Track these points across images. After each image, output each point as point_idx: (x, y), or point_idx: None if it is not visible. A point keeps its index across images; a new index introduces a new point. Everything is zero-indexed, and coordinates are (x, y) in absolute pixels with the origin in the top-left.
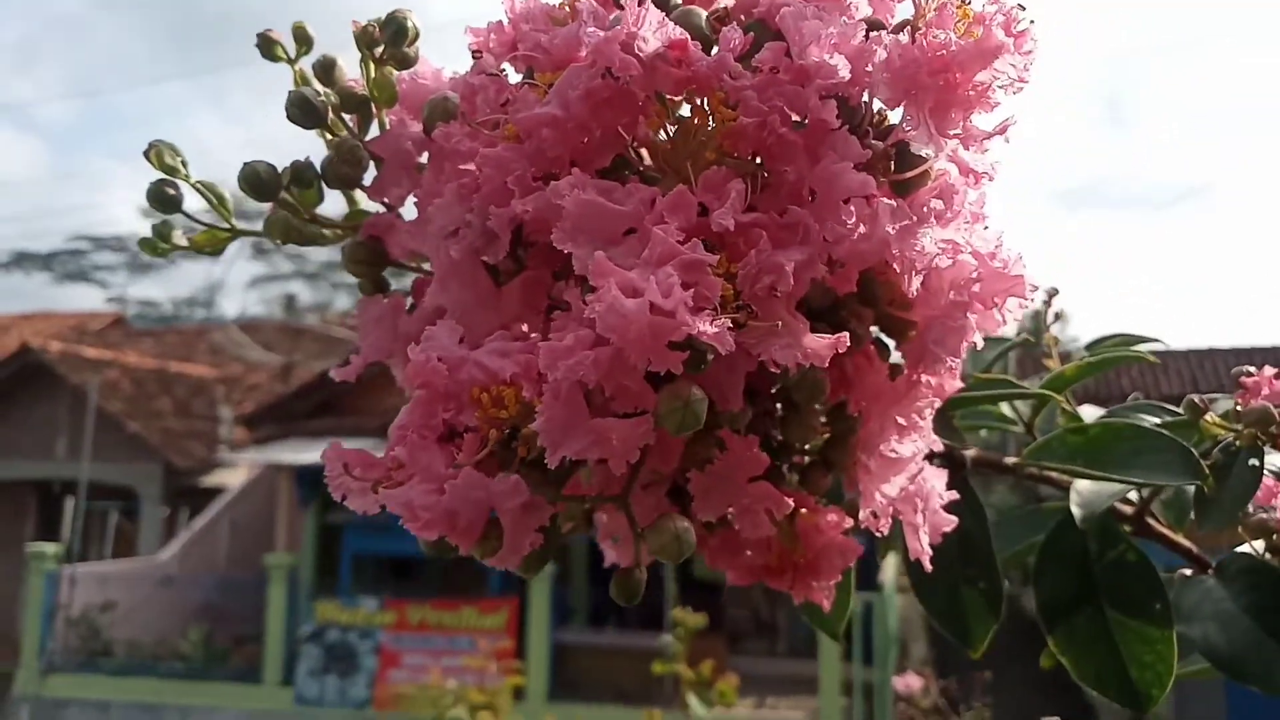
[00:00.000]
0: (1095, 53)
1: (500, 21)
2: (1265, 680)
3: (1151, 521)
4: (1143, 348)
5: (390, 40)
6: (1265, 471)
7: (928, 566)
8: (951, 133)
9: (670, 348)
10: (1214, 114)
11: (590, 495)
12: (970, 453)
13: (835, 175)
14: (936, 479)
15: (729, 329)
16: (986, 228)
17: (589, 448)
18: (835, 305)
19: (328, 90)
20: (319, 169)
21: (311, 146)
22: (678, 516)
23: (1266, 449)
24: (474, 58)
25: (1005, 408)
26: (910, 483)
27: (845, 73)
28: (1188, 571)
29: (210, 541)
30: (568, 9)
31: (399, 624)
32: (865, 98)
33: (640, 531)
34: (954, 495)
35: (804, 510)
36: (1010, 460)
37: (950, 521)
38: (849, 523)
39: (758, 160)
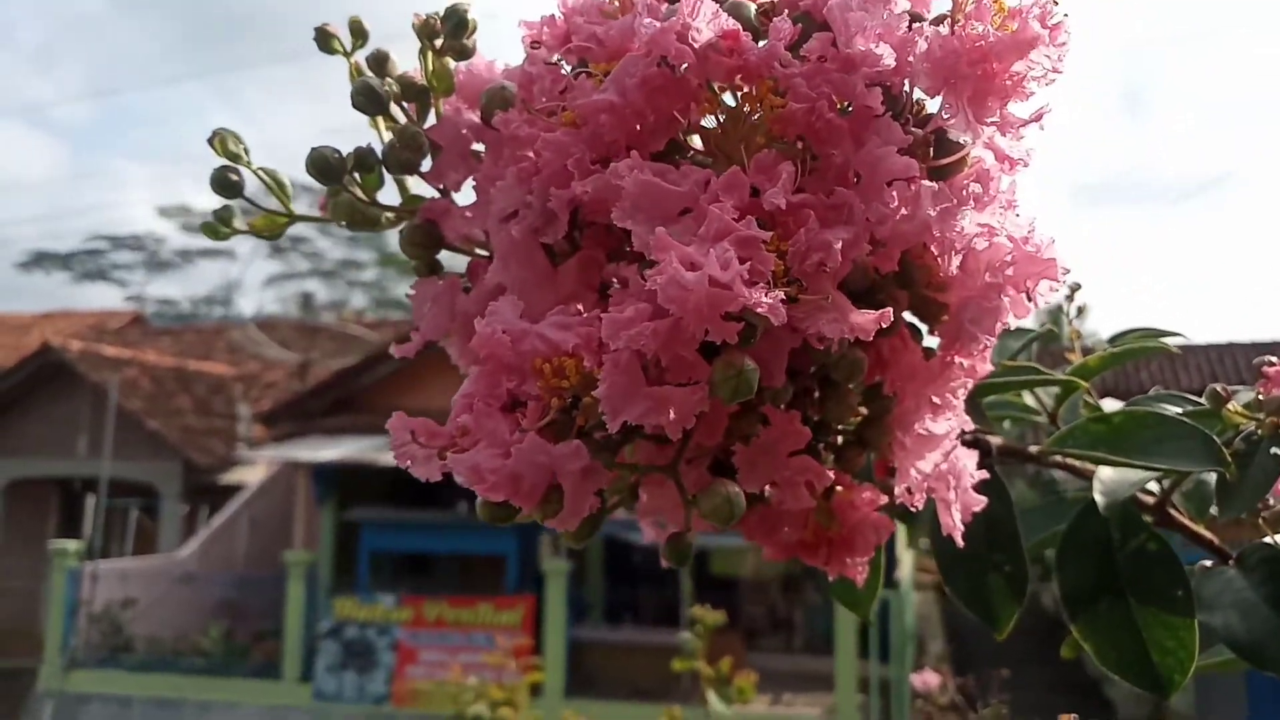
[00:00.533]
0: (1110, 44)
1: (553, 15)
2: None
3: (1173, 512)
4: (1166, 341)
5: (450, 33)
6: None
7: (960, 542)
8: (988, 120)
9: (726, 319)
10: (1231, 104)
11: (642, 464)
12: (996, 440)
13: (879, 159)
14: (968, 458)
15: (781, 302)
16: (1019, 214)
17: (648, 413)
18: (872, 288)
19: (390, 79)
20: (380, 155)
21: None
22: (728, 482)
23: None
24: (531, 49)
25: (1029, 399)
26: (944, 460)
27: (890, 61)
28: (1209, 562)
29: (229, 538)
30: (618, 3)
31: (416, 620)
32: (906, 86)
33: (692, 497)
34: (984, 474)
35: (840, 487)
36: (1035, 448)
37: (980, 501)
38: (883, 499)
39: (806, 144)
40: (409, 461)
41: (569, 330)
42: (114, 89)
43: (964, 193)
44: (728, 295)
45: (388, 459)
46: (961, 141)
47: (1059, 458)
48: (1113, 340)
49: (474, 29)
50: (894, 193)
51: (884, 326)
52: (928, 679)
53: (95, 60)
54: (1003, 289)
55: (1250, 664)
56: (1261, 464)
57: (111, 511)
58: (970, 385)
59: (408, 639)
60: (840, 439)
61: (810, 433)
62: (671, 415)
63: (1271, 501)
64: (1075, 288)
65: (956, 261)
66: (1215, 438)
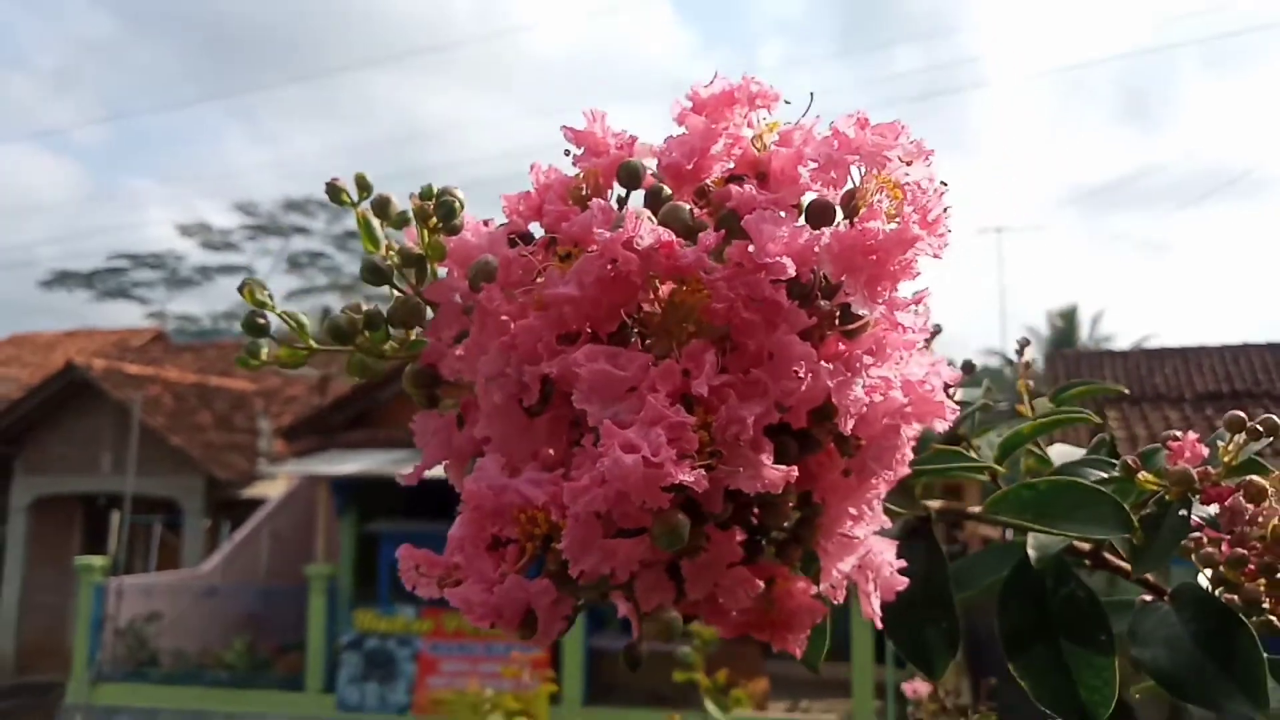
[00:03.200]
0: (1120, 44)
1: (528, 191)
2: (1203, 699)
3: (1109, 556)
4: (1105, 391)
5: (443, 218)
6: (1196, 519)
7: (879, 625)
8: (880, 300)
9: (661, 489)
10: (1245, 104)
11: (604, 586)
12: (935, 505)
13: (787, 344)
14: (887, 551)
15: (705, 471)
16: (922, 359)
17: (601, 563)
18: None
19: (391, 252)
20: (385, 317)
21: (336, 164)
22: (670, 609)
23: (1196, 500)
24: (512, 217)
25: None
26: (860, 560)
27: (792, 270)
28: (1148, 597)
29: (252, 552)
30: (582, 186)
31: (436, 631)
32: (816, 271)
33: (642, 616)
34: (902, 564)
35: (779, 579)
36: (973, 509)
37: (902, 583)
38: (815, 589)
39: (727, 330)
40: (413, 586)
41: (540, 488)
42: (131, 111)
43: (858, 364)
44: (660, 473)
45: (408, 471)
46: (862, 314)
47: (995, 519)
48: (1056, 396)
49: (461, 209)
50: (799, 369)
51: (789, 459)
52: (918, 686)
53: (112, 84)
54: (899, 429)
55: (1172, 695)
56: (1170, 525)
57: (135, 527)
58: (883, 493)
59: (428, 650)
60: (780, 538)
61: (744, 550)
62: (620, 561)
63: (1204, 541)
64: (1024, 343)
65: (853, 422)
66: (1124, 506)
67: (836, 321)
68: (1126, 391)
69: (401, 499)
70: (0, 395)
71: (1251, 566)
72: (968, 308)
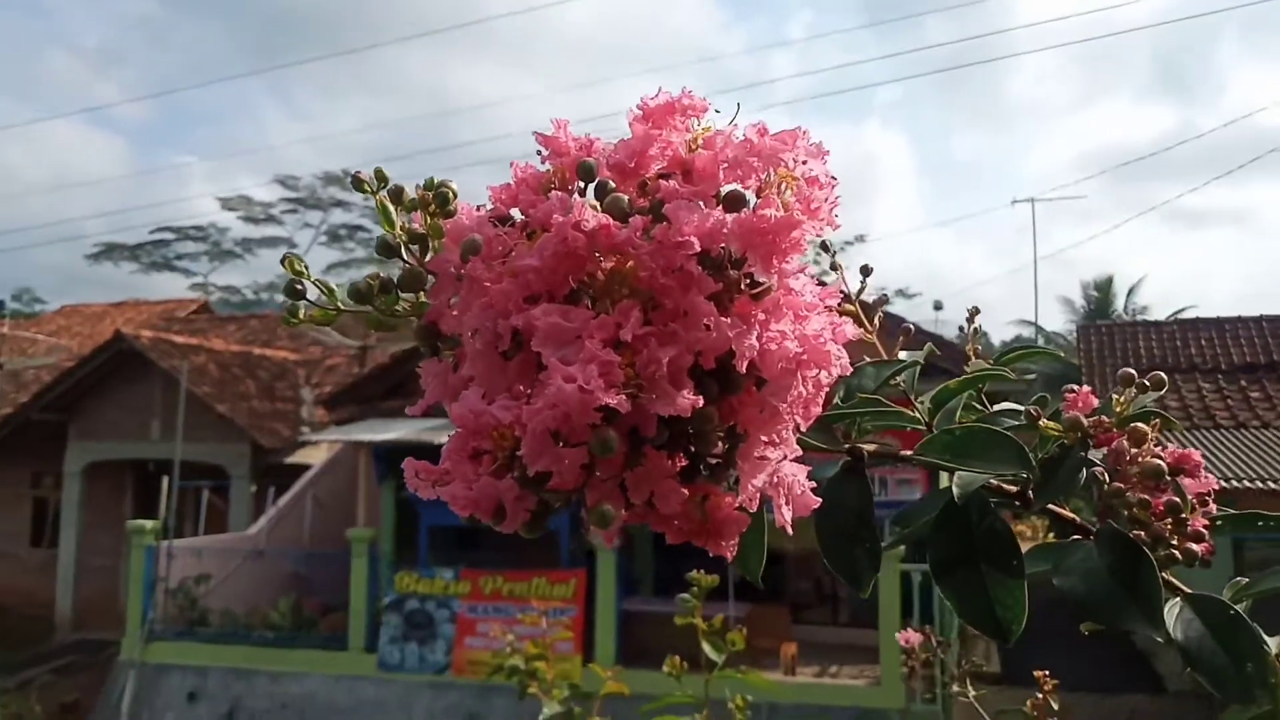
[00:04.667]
0: (1152, 13)
1: (509, 184)
2: (1113, 621)
3: (1031, 494)
4: (1043, 353)
5: (439, 205)
6: (1092, 461)
7: (789, 531)
8: (773, 270)
9: (595, 410)
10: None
11: (559, 490)
12: (869, 447)
13: (696, 304)
14: (799, 473)
15: (627, 398)
16: (821, 319)
17: (549, 464)
18: (722, 373)
19: (401, 231)
20: (396, 283)
21: (373, 139)
22: (606, 503)
23: (1091, 445)
24: (495, 202)
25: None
26: (775, 479)
27: (698, 247)
28: (1078, 537)
29: (296, 516)
30: (551, 181)
31: (474, 593)
32: (725, 248)
33: (586, 510)
34: (812, 484)
35: (712, 495)
36: (905, 453)
37: (815, 502)
38: (739, 502)
39: (653, 293)
40: (415, 488)
41: (508, 411)
42: (174, 88)
43: (753, 319)
44: (591, 398)
45: (444, 439)
46: (762, 281)
47: (922, 460)
48: (999, 356)
49: (454, 198)
50: (707, 324)
51: (711, 398)
52: (909, 636)
53: (155, 61)
54: (794, 373)
55: (1087, 617)
56: (1068, 466)
57: (184, 492)
58: (802, 425)
59: (466, 611)
60: (713, 462)
61: (673, 467)
62: (565, 465)
63: (1123, 488)
64: (975, 311)
65: (745, 362)
66: (1024, 447)
67: (744, 287)
68: (1062, 354)
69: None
70: (52, 364)
71: (1135, 497)
72: (1003, 279)
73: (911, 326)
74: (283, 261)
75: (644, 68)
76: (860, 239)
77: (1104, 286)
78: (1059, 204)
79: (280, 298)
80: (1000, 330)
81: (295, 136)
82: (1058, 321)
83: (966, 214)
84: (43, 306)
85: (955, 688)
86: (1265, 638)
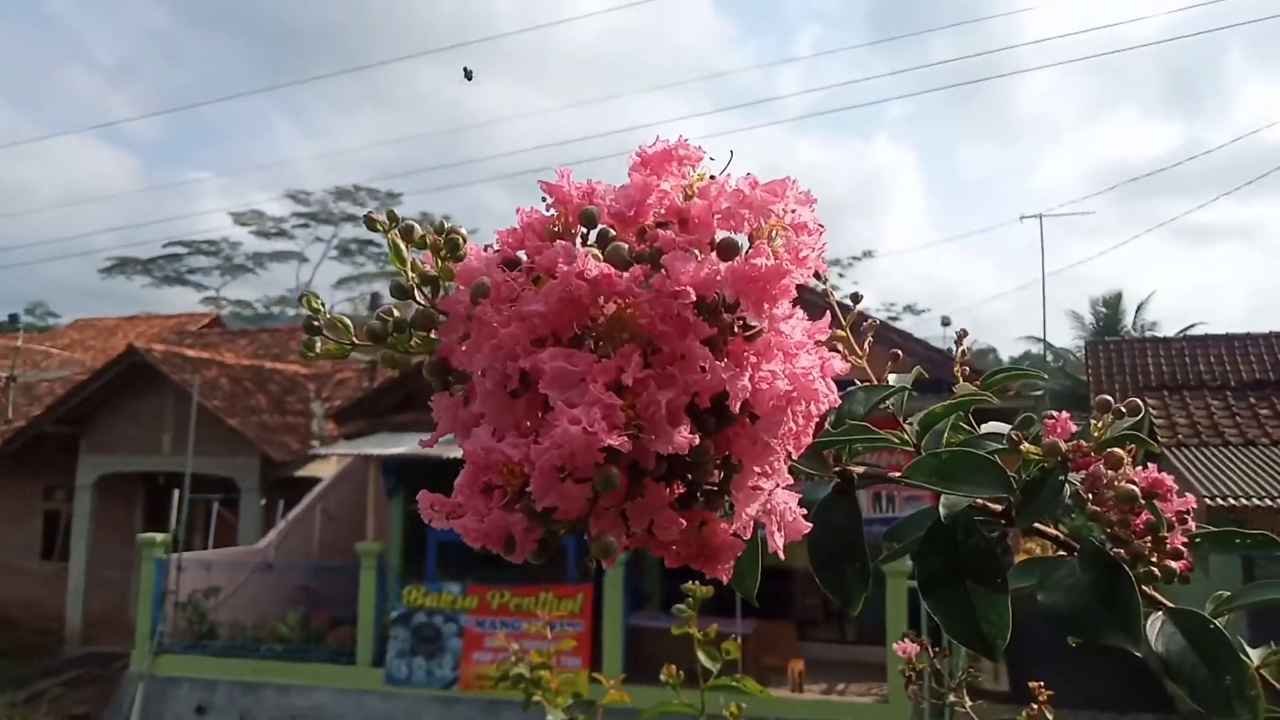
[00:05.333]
0: (1159, 29)
1: (515, 228)
2: (1093, 635)
3: (1016, 515)
4: (1026, 375)
5: (449, 250)
6: (1070, 484)
7: (782, 556)
8: (765, 315)
9: (598, 450)
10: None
11: (565, 521)
12: (859, 470)
13: (692, 348)
14: (791, 501)
15: (629, 438)
16: (809, 358)
17: (556, 501)
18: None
19: (413, 273)
20: (409, 322)
21: (384, 155)
22: (609, 537)
23: (1070, 469)
24: (502, 246)
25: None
26: (764, 505)
27: (694, 296)
28: (1063, 553)
29: (305, 530)
30: (555, 225)
31: (481, 608)
32: (720, 294)
33: (590, 539)
34: (803, 511)
35: (709, 522)
36: (894, 475)
37: (806, 527)
38: (733, 529)
39: (652, 337)
40: (429, 520)
41: (517, 449)
42: (186, 104)
43: (745, 361)
44: (595, 439)
45: (452, 453)
46: (754, 324)
47: (910, 483)
48: (984, 380)
49: (464, 242)
50: (702, 367)
51: (707, 432)
52: (907, 647)
53: (168, 77)
54: (784, 410)
55: (1067, 632)
56: (1049, 488)
57: (195, 505)
58: (793, 455)
59: (473, 626)
60: (709, 491)
61: (672, 498)
62: (571, 501)
63: (1099, 511)
64: (963, 334)
65: (739, 402)
66: (1005, 470)
67: (737, 329)
68: (1045, 378)
69: (449, 479)
70: (65, 378)
71: (1113, 518)
72: (1012, 295)
73: (899, 352)
74: (301, 299)
75: (652, 84)
76: (868, 254)
77: (1113, 303)
78: (1067, 220)
79: (291, 311)
80: (1009, 346)
81: (307, 152)
82: (1066, 337)
83: (975, 230)
84: (56, 320)
85: (951, 698)
86: (1247, 650)
